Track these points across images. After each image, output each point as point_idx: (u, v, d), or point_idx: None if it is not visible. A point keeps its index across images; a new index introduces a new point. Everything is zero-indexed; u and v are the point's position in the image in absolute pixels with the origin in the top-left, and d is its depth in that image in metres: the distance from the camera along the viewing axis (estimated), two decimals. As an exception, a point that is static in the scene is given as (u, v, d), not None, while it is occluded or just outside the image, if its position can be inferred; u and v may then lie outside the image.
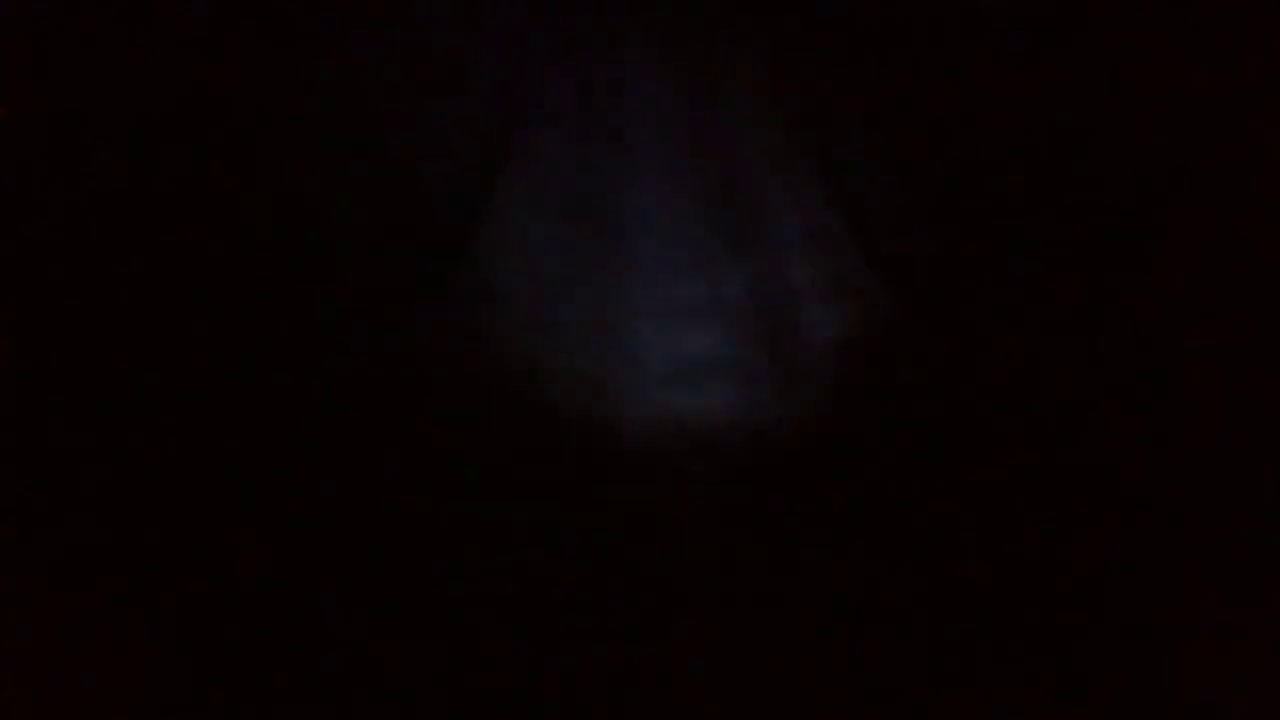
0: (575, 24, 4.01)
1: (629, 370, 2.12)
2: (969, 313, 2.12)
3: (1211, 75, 2.13)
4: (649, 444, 1.87)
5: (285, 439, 2.13)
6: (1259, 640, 1.49)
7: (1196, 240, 2.21)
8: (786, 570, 1.68)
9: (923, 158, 2.43)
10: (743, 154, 3.19)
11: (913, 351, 2.03)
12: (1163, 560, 1.69)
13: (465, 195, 2.77)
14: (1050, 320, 2.41)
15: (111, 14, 2.48)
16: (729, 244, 2.55)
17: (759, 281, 2.43)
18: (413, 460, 1.85)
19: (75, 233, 2.47)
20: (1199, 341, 2.14)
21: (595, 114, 3.68)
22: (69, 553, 1.75)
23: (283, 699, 1.48)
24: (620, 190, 2.94)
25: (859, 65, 2.64)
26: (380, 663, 1.53)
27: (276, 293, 2.65)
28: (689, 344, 2.28)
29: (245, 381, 2.29)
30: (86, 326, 2.34)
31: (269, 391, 2.27)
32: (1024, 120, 2.59)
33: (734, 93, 3.47)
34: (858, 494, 1.67)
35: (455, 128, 3.31)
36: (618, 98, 3.68)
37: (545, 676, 1.57)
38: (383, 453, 2.06)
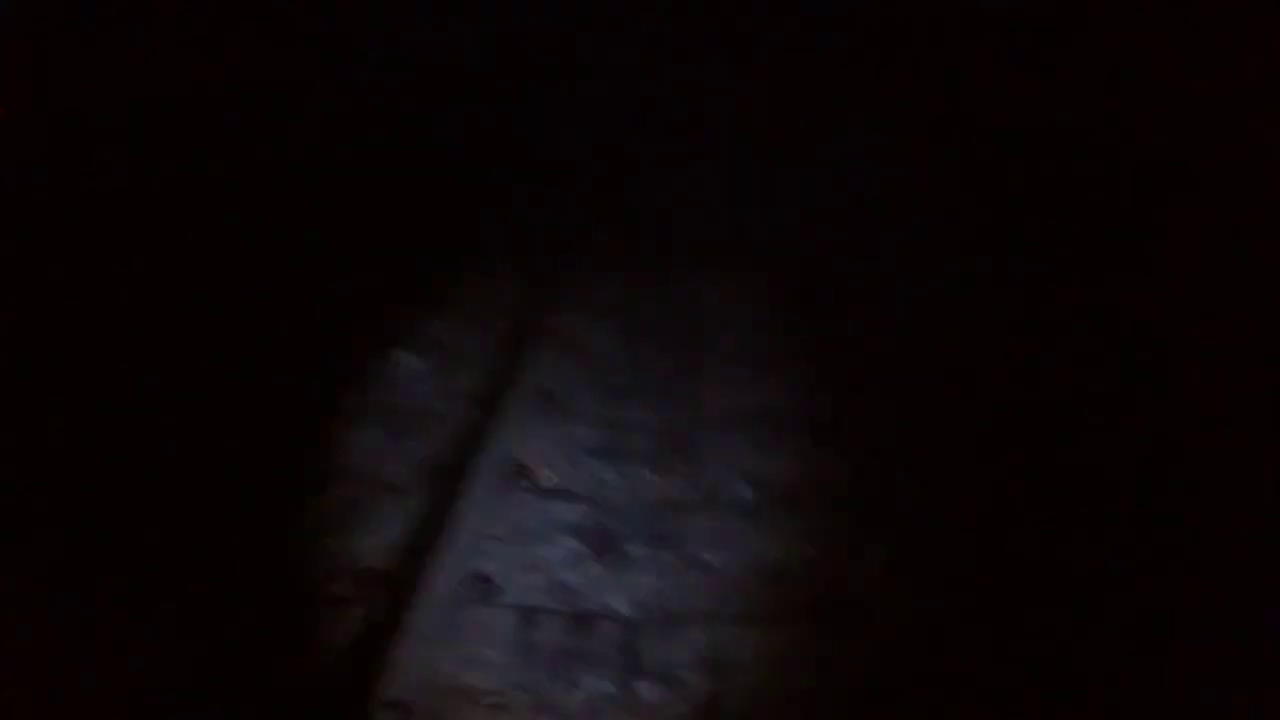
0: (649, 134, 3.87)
1: (700, 494, 1.94)
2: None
3: (1211, 75, 2.12)
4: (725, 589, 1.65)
5: (286, 440, 2.13)
6: (1259, 641, 1.49)
7: (1196, 240, 2.21)
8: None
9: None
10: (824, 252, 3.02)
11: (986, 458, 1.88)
12: (1163, 560, 1.68)
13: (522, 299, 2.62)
14: (1050, 321, 2.41)
15: (111, 14, 2.47)
16: (805, 349, 2.39)
17: (839, 391, 2.23)
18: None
19: (75, 232, 2.46)
20: (1199, 341, 2.13)
21: (659, 214, 3.58)
22: (69, 553, 1.75)
23: (283, 697, 1.48)
24: (685, 298, 2.80)
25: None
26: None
27: (277, 294, 2.65)
28: (765, 459, 2.03)
29: (245, 382, 2.29)
30: (86, 326, 2.34)
31: (269, 392, 2.26)
32: (1024, 120, 2.58)
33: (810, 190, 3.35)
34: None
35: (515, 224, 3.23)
36: (684, 201, 3.57)
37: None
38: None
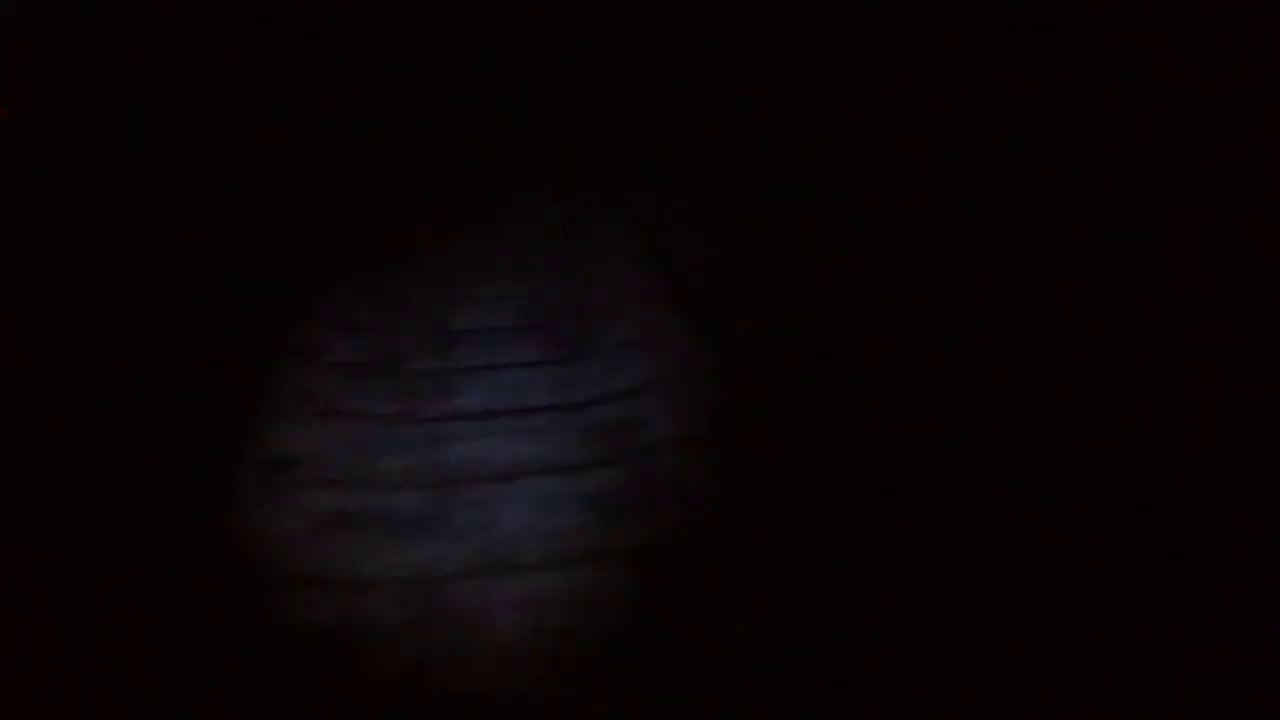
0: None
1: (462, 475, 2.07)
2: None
3: (1211, 75, 2.12)
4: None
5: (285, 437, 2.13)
6: (1259, 641, 1.49)
7: (1196, 240, 2.21)
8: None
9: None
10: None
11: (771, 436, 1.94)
12: (1163, 560, 1.69)
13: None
14: (1050, 321, 2.41)
15: (111, 14, 2.47)
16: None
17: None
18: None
19: (75, 232, 2.46)
20: (1199, 341, 2.14)
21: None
22: (69, 553, 1.75)
23: (282, 697, 1.48)
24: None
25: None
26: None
27: (277, 293, 2.65)
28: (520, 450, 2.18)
29: (246, 381, 2.29)
30: (86, 326, 2.34)
31: (269, 391, 2.26)
32: (1024, 120, 2.58)
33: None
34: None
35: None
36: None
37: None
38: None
